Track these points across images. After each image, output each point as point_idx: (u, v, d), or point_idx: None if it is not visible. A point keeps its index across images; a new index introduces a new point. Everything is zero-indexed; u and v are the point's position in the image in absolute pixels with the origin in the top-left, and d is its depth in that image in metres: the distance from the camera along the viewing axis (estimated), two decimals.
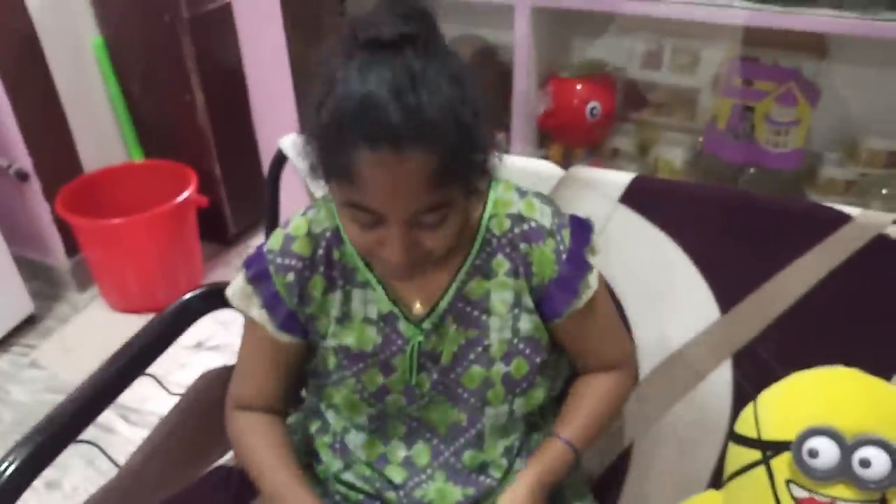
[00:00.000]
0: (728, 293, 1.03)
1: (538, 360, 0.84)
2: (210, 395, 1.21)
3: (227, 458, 1.16)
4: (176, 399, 1.16)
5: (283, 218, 1.28)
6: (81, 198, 2.17)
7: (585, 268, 0.84)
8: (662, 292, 1.06)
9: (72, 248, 2.26)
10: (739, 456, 0.98)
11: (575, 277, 0.83)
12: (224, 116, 2.29)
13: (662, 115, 1.38)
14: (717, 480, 1.05)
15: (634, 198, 1.06)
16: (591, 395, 0.92)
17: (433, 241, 0.70)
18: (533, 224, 0.82)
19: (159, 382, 1.15)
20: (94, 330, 2.22)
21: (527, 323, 0.83)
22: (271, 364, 0.88)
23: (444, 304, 0.82)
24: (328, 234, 0.82)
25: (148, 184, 2.29)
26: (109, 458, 1.07)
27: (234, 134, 2.30)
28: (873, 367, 0.96)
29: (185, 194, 2.14)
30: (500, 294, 0.83)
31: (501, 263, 0.82)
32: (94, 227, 2.12)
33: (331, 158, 0.66)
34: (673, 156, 1.32)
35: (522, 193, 0.84)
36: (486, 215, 0.82)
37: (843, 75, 1.29)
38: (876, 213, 0.96)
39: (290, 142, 1.21)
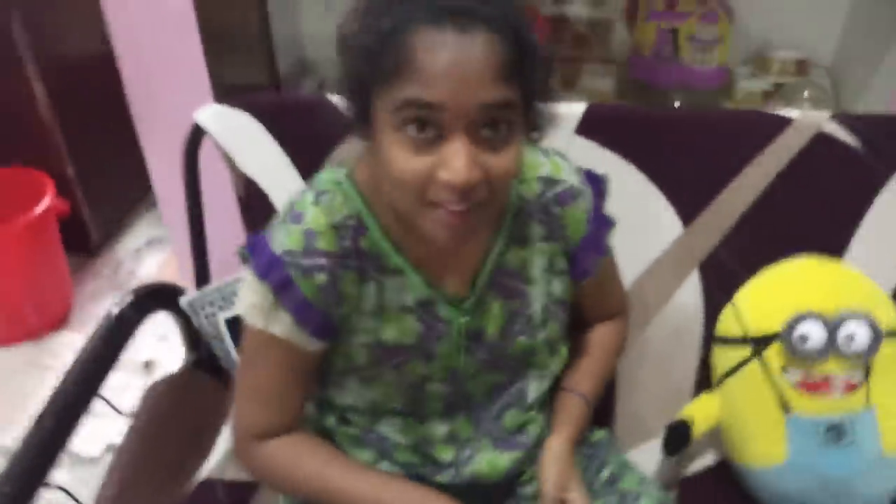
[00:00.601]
0: (688, 207, 1.10)
1: (565, 319, 0.86)
2: (165, 409, 1.13)
3: (207, 470, 1.07)
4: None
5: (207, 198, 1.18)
6: None
7: (609, 224, 0.85)
8: (626, 216, 1.09)
9: None
10: (727, 357, 1.06)
11: (601, 235, 0.84)
12: (73, 106, 2.06)
13: (580, 48, 1.43)
14: (701, 385, 1.12)
15: (590, 127, 1.09)
16: (602, 347, 0.95)
17: (496, 164, 0.63)
18: (565, 185, 0.81)
19: (111, 406, 1.04)
20: None
21: (558, 285, 0.83)
22: (297, 379, 0.79)
23: (483, 278, 0.79)
24: (351, 221, 0.74)
25: None
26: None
27: (87, 126, 2.09)
28: (824, 253, 1.07)
29: (45, 202, 1.92)
30: (537, 260, 0.81)
31: (536, 229, 0.80)
32: None
33: (384, 50, 0.60)
34: (600, 87, 1.37)
35: (545, 152, 0.82)
36: (516, 181, 0.78)
37: None
38: (813, 113, 1.07)
39: (210, 114, 1.11)
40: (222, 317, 1.12)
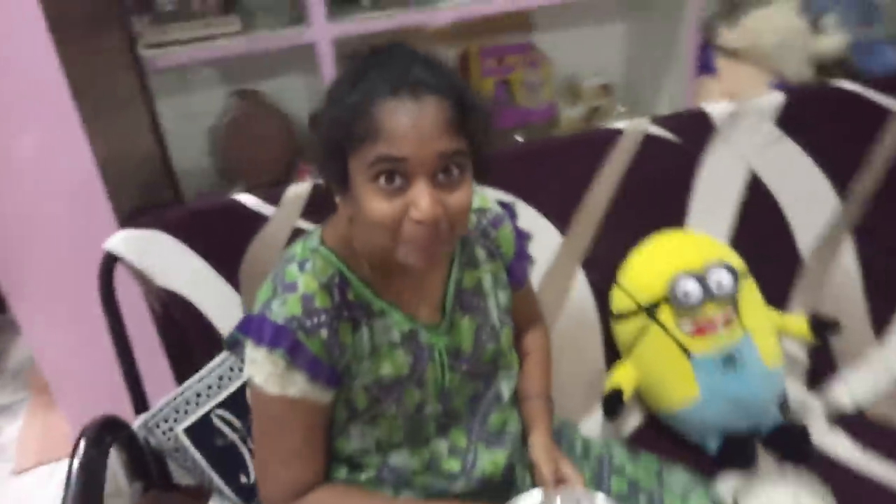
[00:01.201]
0: (560, 219, 1.34)
1: (512, 325, 1.05)
2: None
3: None
4: None
5: (131, 324, 1.22)
6: None
7: (528, 236, 1.07)
8: None
9: None
10: (628, 329, 1.31)
11: (524, 248, 1.06)
12: None
13: None
14: (609, 361, 1.36)
15: None
16: (539, 349, 1.14)
17: (453, 201, 0.79)
18: (492, 212, 1.01)
19: None
20: None
21: (504, 296, 1.02)
22: (316, 433, 0.91)
23: (450, 300, 0.95)
24: (336, 279, 0.88)
25: None
26: None
27: None
28: (672, 226, 1.37)
29: None
30: (486, 278, 0.99)
31: (480, 252, 0.99)
32: None
33: (355, 123, 0.76)
34: None
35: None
36: None
37: (553, 37, 1.73)
38: (637, 121, 1.36)
39: (120, 240, 1.17)
40: (180, 428, 1.17)
